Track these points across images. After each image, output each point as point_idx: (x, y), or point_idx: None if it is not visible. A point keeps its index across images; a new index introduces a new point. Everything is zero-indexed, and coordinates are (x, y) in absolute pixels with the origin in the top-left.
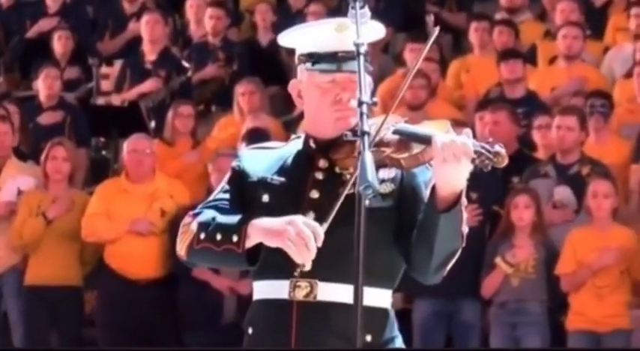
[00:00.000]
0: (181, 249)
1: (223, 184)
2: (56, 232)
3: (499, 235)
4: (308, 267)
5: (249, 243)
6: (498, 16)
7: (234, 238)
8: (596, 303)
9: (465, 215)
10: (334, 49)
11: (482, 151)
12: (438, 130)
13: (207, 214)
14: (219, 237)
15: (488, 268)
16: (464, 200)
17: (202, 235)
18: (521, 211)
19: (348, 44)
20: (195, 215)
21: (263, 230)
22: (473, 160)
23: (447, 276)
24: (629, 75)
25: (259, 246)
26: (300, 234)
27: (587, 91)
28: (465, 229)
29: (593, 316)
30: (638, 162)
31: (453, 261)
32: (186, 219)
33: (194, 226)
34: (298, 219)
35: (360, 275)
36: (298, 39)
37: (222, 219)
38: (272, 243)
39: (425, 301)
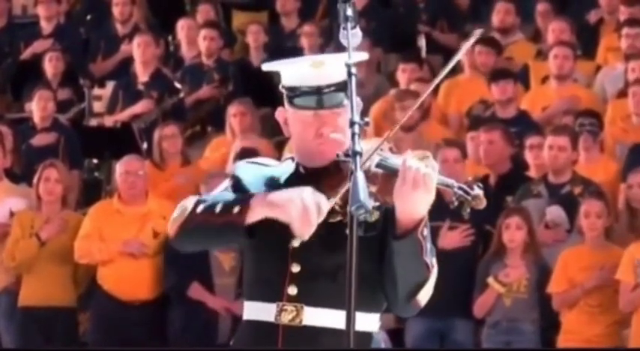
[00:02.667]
0: (172, 227)
1: (225, 185)
2: (49, 253)
3: (491, 255)
4: (306, 237)
5: (252, 216)
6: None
7: (236, 209)
8: (588, 322)
9: (428, 245)
10: (312, 84)
11: (461, 192)
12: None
13: (208, 197)
14: (218, 209)
15: (480, 288)
16: (423, 230)
17: (200, 208)
18: (512, 232)
19: (327, 78)
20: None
21: (266, 202)
22: (452, 202)
23: (439, 295)
24: (622, 94)
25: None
26: (305, 208)
27: (577, 110)
28: (432, 261)
29: (585, 336)
30: (626, 181)
31: (426, 292)
32: (184, 203)
33: (191, 203)
34: (305, 191)
35: (353, 297)
36: (280, 71)
37: (222, 196)
38: (275, 215)
39: (417, 321)
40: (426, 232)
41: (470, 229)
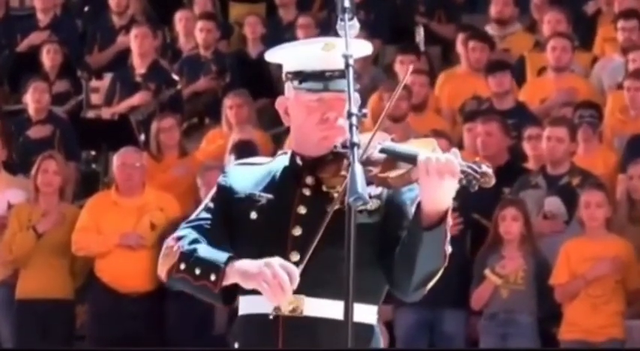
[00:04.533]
0: (162, 272)
1: (207, 201)
2: (47, 245)
3: (488, 247)
4: (284, 309)
5: (226, 282)
6: (488, 27)
7: (212, 277)
8: (591, 313)
9: (449, 235)
10: (321, 67)
11: (469, 170)
12: (424, 148)
13: (190, 242)
14: (197, 272)
15: (477, 279)
16: (449, 220)
17: (182, 266)
18: (509, 223)
19: (336, 63)
20: (178, 239)
21: (240, 272)
22: (460, 180)
23: None
24: (620, 86)
25: (236, 287)
26: (275, 276)
27: (576, 101)
28: (449, 249)
29: (587, 327)
30: (625, 172)
31: (434, 281)
32: (169, 242)
33: (176, 254)
34: (275, 261)
35: (351, 289)
36: (285, 57)
37: (204, 252)
38: (248, 285)
39: (407, 312)
40: (450, 220)
41: (458, 219)
